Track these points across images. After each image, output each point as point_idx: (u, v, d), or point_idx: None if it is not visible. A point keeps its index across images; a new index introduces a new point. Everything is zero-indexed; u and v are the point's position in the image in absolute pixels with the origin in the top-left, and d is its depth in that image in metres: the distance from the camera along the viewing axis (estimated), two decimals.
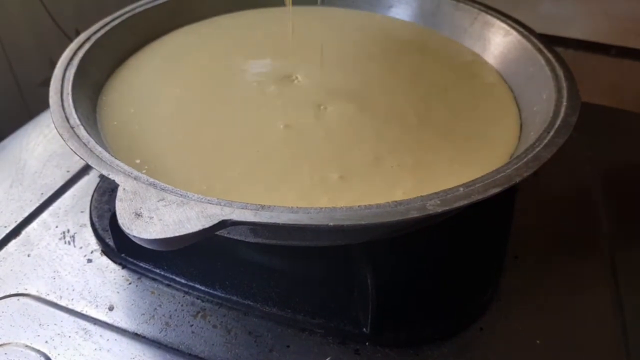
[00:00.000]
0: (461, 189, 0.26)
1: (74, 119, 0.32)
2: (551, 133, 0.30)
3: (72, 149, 0.29)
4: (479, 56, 0.45)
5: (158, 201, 0.25)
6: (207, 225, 0.24)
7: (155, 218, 0.24)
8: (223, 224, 0.24)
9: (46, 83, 0.70)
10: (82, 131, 0.31)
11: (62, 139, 0.30)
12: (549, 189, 0.42)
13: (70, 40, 0.70)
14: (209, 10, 0.50)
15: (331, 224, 0.24)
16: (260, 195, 0.30)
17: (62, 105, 0.33)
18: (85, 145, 0.29)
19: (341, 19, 0.51)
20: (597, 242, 0.38)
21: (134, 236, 0.24)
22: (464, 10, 0.46)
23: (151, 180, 0.27)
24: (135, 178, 0.27)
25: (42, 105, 0.64)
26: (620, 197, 0.42)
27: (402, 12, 0.50)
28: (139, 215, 0.25)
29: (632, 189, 0.43)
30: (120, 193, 0.26)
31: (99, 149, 0.29)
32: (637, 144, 0.49)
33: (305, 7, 0.52)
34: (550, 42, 0.66)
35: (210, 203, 0.25)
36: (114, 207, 0.25)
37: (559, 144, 0.30)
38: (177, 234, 0.24)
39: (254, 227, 0.28)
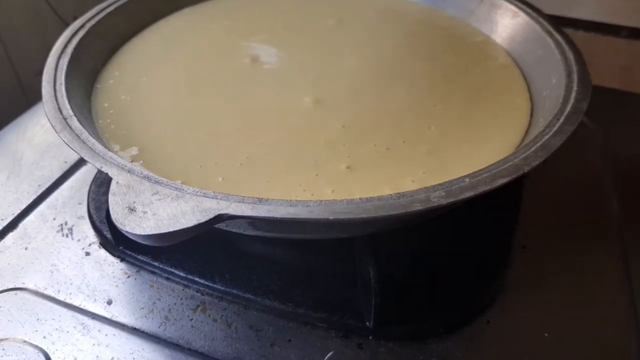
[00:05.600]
0: (467, 179, 0.25)
1: (67, 109, 0.31)
2: (561, 120, 0.29)
3: (64, 141, 0.28)
4: (488, 37, 0.43)
5: (152, 195, 0.25)
6: (202, 220, 0.23)
7: (149, 213, 0.24)
8: (219, 218, 0.24)
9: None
10: (75, 122, 0.30)
11: (55, 130, 0.29)
12: (559, 175, 0.41)
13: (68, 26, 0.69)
14: None
15: (331, 217, 0.23)
16: (263, 187, 0.29)
17: (55, 96, 0.32)
18: (79, 137, 0.29)
19: None
20: (607, 230, 0.37)
21: (127, 232, 0.23)
22: None
23: (145, 172, 0.26)
24: (129, 171, 0.26)
25: (40, 94, 0.64)
26: (632, 183, 0.41)
27: None
28: (132, 210, 0.24)
29: None
30: (113, 187, 0.25)
31: (92, 140, 0.28)
32: None
33: None
34: (559, 24, 0.64)
35: (206, 196, 0.25)
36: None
37: (569, 131, 0.28)
38: (171, 230, 0.23)
39: (251, 220, 0.27)
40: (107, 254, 0.35)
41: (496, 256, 0.34)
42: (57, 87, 0.33)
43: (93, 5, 0.72)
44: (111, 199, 0.24)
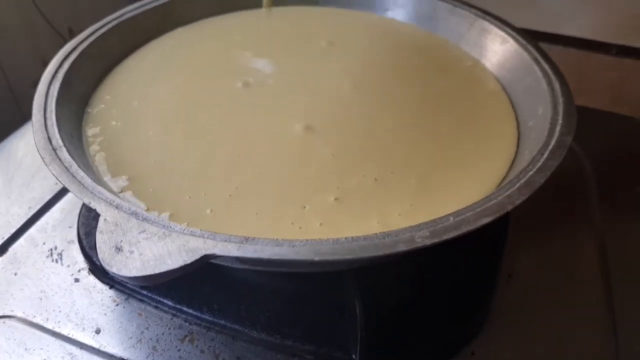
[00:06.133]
0: (451, 218, 0.26)
1: (57, 139, 0.31)
2: (545, 155, 0.30)
3: (53, 174, 0.29)
4: (478, 61, 0.44)
5: (139, 233, 0.25)
6: (188, 261, 0.23)
7: (136, 252, 0.24)
8: (205, 258, 0.24)
9: (39, 83, 0.68)
10: (64, 153, 0.30)
11: (44, 162, 0.29)
12: (545, 200, 0.41)
13: (63, 38, 0.69)
14: (200, 12, 0.49)
15: (316, 259, 0.24)
16: (252, 219, 0.30)
17: (45, 124, 0.32)
18: (67, 169, 0.29)
19: (339, 19, 0.49)
20: (593, 258, 0.37)
21: (114, 273, 0.23)
22: (460, 16, 0.45)
23: (133, 209, 0.26)
24: (117, 207, 0.26)
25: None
26: (619, 209, 0.41)
27: (398, 15, 0.49)
28: (119, 249, 0.24)
29: (632, 201, 0.42)
30: (101, 224, 0.25)
31: (81, 173, 0.28)
32: (637, 152, 0.48)
33: (302, 7, 0.51)
34: (550, 41, 0.65)
35: (193, 235, 0.25)
36: None
37: (553, 167, 0.29)
38: (157, 271, 0.23)
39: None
40: (96, 281, 0.35)
41: (482, 286, 0.34)
42: (48, 114, 0.33)
43: (87, 15, 0.72)
44: (98, 238, 0.25)
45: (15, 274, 0.35)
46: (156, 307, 0.33)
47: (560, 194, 0.42)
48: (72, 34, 0.69)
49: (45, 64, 0.70)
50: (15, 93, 0.64)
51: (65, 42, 0.69)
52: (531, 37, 0.41)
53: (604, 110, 0.52)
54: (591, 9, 0.66)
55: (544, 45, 0.65)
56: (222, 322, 0.32)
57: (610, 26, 0.63)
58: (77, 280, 0.35)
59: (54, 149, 0.30)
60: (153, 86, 0.40)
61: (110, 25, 0.42)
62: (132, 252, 0.24)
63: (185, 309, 0.33)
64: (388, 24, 0.49)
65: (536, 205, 0.39)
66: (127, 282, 0.25)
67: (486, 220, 0.26)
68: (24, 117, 0.65)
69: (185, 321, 0.33)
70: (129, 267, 0.23)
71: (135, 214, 0.26)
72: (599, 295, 0.35)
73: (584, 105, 0.49)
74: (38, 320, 0.33)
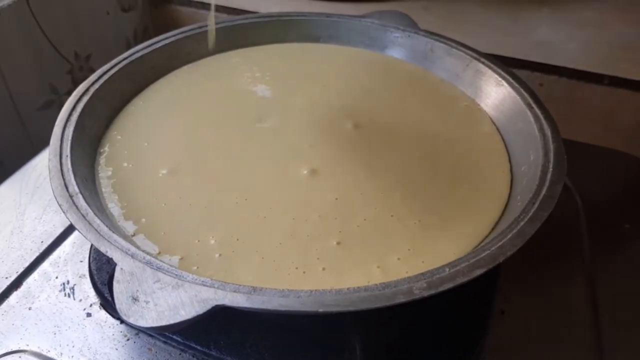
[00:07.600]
0: (447, 269, 0.27)
1: (73, 185, 0.32)
2: (536, 204, 0.31)
3: (71, 221, 0.30)
4: (473, 101, 0.45)
5: (154, 283, 0.27)
6: (200, 312, 0.25)
7: (152, 303, 0.26)
8: (216, 308, 0.26)
9: (45, 107, 0.70)
10: (80, 200, 0.31)
11: (62, 210, 0.31)
12: (537, 236, 0.43)
13: (69, 62, 0.71)
14: (206, 50, 0.51)
15: (320, 310, 0.25)
16: (257, 264, 0.31)
17: (61, 170, 0.34)
18: (84, 217, 0.30)
19: (340, 57, 0.51)
20: (583, 295, 0.39)
21: (131, 323, 0.25)
22: (456, 56, 0.47)
23: (147, 258, 0.28)
24: (132, 256, 0.28)
25: (41, 130, 0.65)
26: (608, 246, 0.43)
27: (396, 53, 0.51)
28: (135, 299, 0.26)
29: (621, 239, 0.44)
30: (117, 274, 0.27)
31: (97, 221, 0.30)
32: (628, 188, 0.49)
33: (304, 44, 0.53)
34: (544, 71, 0.67)
35: (204, 285, 0.26)
36: (112, 271, 0.27)
37: (543, 217, 0.31)
38: (171, 322, 0.25)
39: None
40: (108, 316, 0.37)
41: (476, 323, 0.36)
42: (64, 160, 0.34)
43: (92, 40, 0.73)
44: (116, 287, 0.26)
45: (30, 308, 0.37)
46: (165, 343, 0.35)
47: (551, 230, 0.44)
48: (78, 58, 0.71)
49: (52, 88, 0.72)
50: (22, 116, 0.65)
51: (71, 65, 0.71)
52: (525, 82, 0.43)
53: (595, 145, 0.54)
54: (583, 40, 0.68)
55: (538, 75, 0.68)
56: (229, 358, 0.33)
57: (602, 57, 0.65)
58: (89, 314, 0.37)
59: (71, 196, 0.32)
60: (162, 126, 0.42)
61: (120, 66, 0.44)
62: (147, 303, 0.25)
63: (193, 345, 0.34)
64: (386, 62, 0.51)
65: (528, 240, 0.41)
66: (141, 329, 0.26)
67: (479, 271, 0.27)
68: (31, 140, 0.67)
69: (193, 357, 0.34)
70: (145, 317, 0.25)
71: (149, 263, 0.28)
72: (588, 334, 0.37)
73: (576, 133, 0.51)
74: (52, 354, 0.34)
